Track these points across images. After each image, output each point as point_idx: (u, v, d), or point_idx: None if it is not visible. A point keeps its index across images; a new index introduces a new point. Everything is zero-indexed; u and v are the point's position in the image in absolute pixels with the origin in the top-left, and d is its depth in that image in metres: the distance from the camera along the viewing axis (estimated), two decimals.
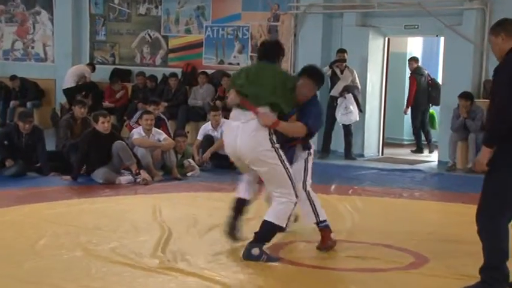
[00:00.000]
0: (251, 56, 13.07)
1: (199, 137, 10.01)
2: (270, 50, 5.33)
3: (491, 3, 10.43)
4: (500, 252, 4.32)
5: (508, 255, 4.39)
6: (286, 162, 5.09)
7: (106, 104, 13.25)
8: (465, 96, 9.98)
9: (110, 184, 8.28)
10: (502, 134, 4.29)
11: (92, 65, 14.11)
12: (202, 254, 5.31)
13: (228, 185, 8.50)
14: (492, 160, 4.33)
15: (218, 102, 12.23)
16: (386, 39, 11.99)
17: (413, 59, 12.24)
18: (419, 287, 4.76)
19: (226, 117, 10.82)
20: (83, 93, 13.37)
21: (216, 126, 9.92)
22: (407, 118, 12.79)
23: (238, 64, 13.20)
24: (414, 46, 13.49)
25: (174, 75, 13.20)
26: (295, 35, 12.29)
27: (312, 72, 5.48)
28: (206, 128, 10.06)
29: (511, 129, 4.27)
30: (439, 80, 11.91)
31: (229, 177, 9.06)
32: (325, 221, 5.46)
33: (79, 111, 9.30)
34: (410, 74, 12.22)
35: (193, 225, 6.29)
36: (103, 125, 8.42)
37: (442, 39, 11.72)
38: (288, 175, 5.08)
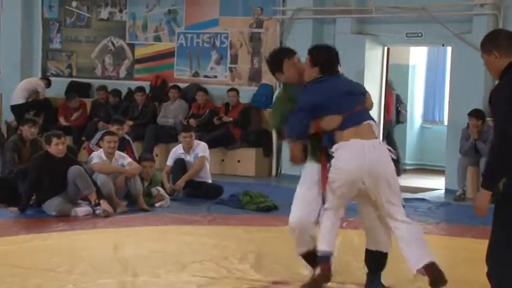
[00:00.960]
0: (230, 68, 13.12)
1: (169, 162, 10.00)
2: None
3: (504, 8, 10.59)
4: None
5: None
6: None
7: (61, 122, 13.21)
8: (476, 114, 10.08)
9: (64, 217, 8.22)
10: (503, 172, 4.22)
11: (46, 79, 14.08)
12: None
13: (202, 217, 8.55)
14: (501, 194, 4.29)
15: (192, 121, 12.26)
16: (386, 48, 12.07)
17: None
18: None
19: (201, 138, 10.99)
20: (34, 111, 13.31)
21: (188, 149, 9.93)
22: (411, 137, 12.90)
23: (215, 77, 13.25)
24: (417, 57, 13.60)
25: (141, 89, 13.21)
26: (281, 44, 12.31)
27: (312, 49, 5.62)
28: (177, 151, 10.06)
29: None
30: (446, 96, 12.02)
31: (203, 208, 9.12)
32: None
33: (28, 131, 9.27)
34: (387, 86, 12.33)
35: (161, 264, 6.24)
36: (57, 147, 8.38)
37: (449, 49, 11.83)
38: None
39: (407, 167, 13.25)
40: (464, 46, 10.69)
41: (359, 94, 5.48)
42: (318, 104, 5.20)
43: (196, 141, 10.07)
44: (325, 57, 5.51)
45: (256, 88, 12.87)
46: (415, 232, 5.38)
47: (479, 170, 10.09)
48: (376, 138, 5.37)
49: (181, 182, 9.70)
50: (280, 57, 5.66)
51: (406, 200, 10.22)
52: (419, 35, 11.44)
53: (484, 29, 10.54)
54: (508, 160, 4.12)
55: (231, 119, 12.35)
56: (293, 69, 5.53)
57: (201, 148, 10.02)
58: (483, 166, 9.78)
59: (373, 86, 11.98)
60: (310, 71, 5.40)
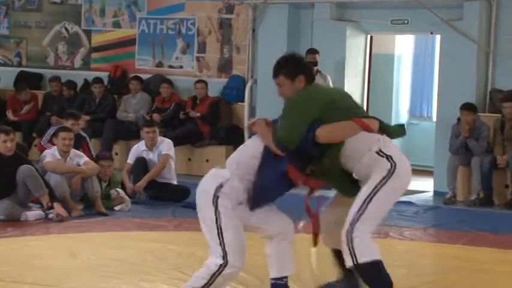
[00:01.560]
0: (197, 57, 13.10)
1: (130, 160, 10.01)
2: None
3: None
4: None
5: None
6: None
7: (9, 117, 13.12)
8: (468, 108, 10.16)
9: (13, 221, 8.17)
10: None
11: None
12: None
13: (166, 222, 8.55)
14: None
15: (155, 116, 12.22)
16: (369, 37, 12.14)
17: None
18: None
19: (165, 134, 10.97)
20: None
21: (151, 146, 9.92)
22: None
23: (181, 67, 13.24)
24: (403, 46, 13.65)
25: (98, 80, 13.16)
26: (253, 31, 12.38)
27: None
28: (139, 148, 10.06)
29: None
30: (435, 89, 12.10)
31: (168, 212, 9.11)
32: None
33: None
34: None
35: (121, 274, 6.22)
36: (4, 144, 8.31)
37: (438, 37, 11.88)
38: None
39: None
40: (454, 34, 10.77)
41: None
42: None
43: (160, 138, 10.06)
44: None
45: (226, 80, 12.90)
46: None
47: (471, 170, 10.20)
48: None
49: (142, 183, 9.70)
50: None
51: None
52: (406, 22, 11.50)
53: (476, 16, 10.69)
54: None
55: (198, 114, 12.33)
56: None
57: (165, 145, 10.01)
58: (475, 166, 9.97)
59: (355, 77, 12.06)
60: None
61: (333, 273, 6.50)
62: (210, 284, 5.02)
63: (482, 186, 10.06)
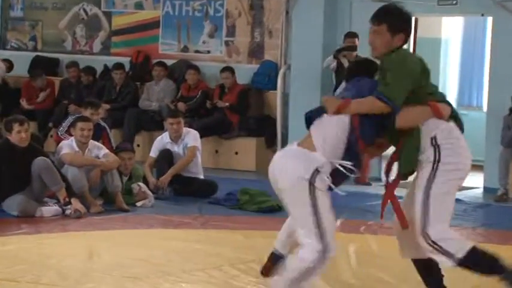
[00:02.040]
0: (226, 42, 13.10)
1: (153, 153, 10.07)
2: None
3: None
4: None
5: None
6: None
7: (24, 106, 13.21)
8: None
9: (28, 217, 8.21)
10: None
11: (8, 62, 14.06)
12: None
13: (192, 219, 8.59)
14: None
15: (181, 105, 12.26)
16: (414, 19, 12.03)
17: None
18: None
19: (191, 125, 10.98)
20: None
21: (176, 138, 9.97)
22: None
23: (208, 52, 13.27)
24: (451, 29, 13.63)
25: (119, 66, 13.25)
26: (287, 13, 12.38)
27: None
28: (163, 140, 10.11)
29: None
30: (485, 76, 12.01)
31: (194, 208, 9.14)
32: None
33: None
34: None
35: (145, 275, 6.24)
36: (19, 135, 8.39)
37: (489, 19, 11.87)
38: None
39: None
40: (508, 16, 10.76)
41: None
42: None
43: (185, 129, 10.10)
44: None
45: (257, 66, 12.92)
46: None
47: None
48: None
49: (167, 177, 9.75)
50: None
51: None
52: (454, 2, 11.43)
53: None
54: None
55: (227, 104, 12.39)
56: None
57: (191, 137, 10.04)
58: None
59: None
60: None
61: (372, 275, 6.52)
62: (309, 275, 5.02)
63: None
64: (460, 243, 5.23)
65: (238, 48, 13.16)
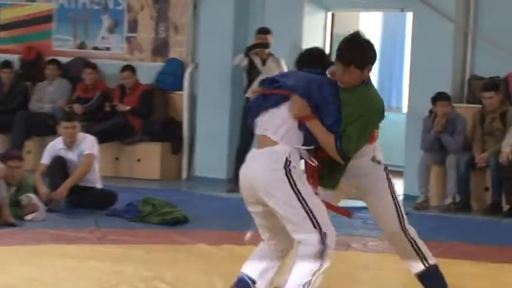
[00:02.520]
0: (128, 38, 13.06)
1: (45, 161, 9.95)
2: None
3: None
4: None
5: None
6: None
7: None
8: (442, 98, 10.26)
9: None
10: None
11: None
12: None
13: (88, 234, 8.47)
14: None
15: (77, 107, 12.14)
16: (330, 14, 12.23)
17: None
18: None
19: (88, 130, 10.85)
20: None
21: (70, 144, 9.87)
22: None
23: (108, 49, 13.20)
24: (369, 25, 13.81)
25: (7, 64, 13.07)
26: (195, 7, 12.44)
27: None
28: (56, 146, 9.99)
29: None
30: (405, 76, 12.19)
31: (91, 221, 9.04)
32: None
33: None
34: None
35: None
36: None
37: (409, 15, 12.05)
38: None
39: None
40: (428, 12, 10.91)
41: None
42: None
43: (81, 134, 9.99)
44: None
45: (162, 64, 12.91)
46: None
47: (445, 170, 10.30)
48: None
49: (63, 190, 9.65)
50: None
51: (355, 209, 10.48)
52: None
53: None
54: None
55: (127, 107, 12.28)
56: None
57: (88, 143, 9.94)
58: (450, 165, 10.05)
59: None
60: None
61: None
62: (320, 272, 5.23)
63: (458, 189, 10.18)
64: (429, 252, 5.91)
65: (141, 44, 13.11)
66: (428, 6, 10.87)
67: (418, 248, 5.98)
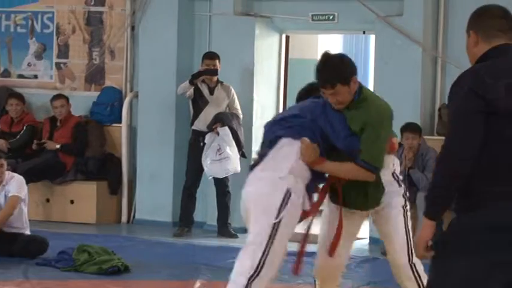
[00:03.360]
0: (58, 64, 13.06)
1: None
2: None
3: None
4: None
5: None
6: None
7: None
8: (411, 129, 10.33)
9: None
10: (450, 198, 4.47)
11: None
12: None
13: (15, 286, 8.37)
14: (440, 239, 4.56)
15: (2, 143, 12.07)
16: (284, 37, 12.31)
17: None
18: None
19: (15, 168, 10.81)
20: None
21: None
22: None
23: (35, 77, 13.17)
24: (329, 48, 13.79)
25: None
26: (133, 29, 12.47)
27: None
28: None
29: (466, 191, 4.44)
30: None
31: (19, 272, 8.95)
32: None
33: None
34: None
35: None
36: None
37: (372, 37, 12.18)
38: None
39: None
40: (393, 34, 11.03)
41: None
42: None
43: (8, 173, 9.94)
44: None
45: (97, 94, 12.85)
46: None
47: (416, 209, 10.39)
48: None
49: None
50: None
51: (309, 254, 10.53)
52: (331, 17, 11.67)
53: (420, 11, 10.94)
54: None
55: (58, 146, 12.21)
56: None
57: (15, 184, 9.86)
58: (421, 204, 10.15)
59: (267, 87, 12.17)
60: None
61: None
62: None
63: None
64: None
65: (72, 72, 13.07)
66: (393, 28, 11.00)
67: (418, 273, 6.33)
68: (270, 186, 6.14)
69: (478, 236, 4.40)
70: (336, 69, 5.92)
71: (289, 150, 6.20)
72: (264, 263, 6.01)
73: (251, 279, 6.03)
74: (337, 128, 6.05)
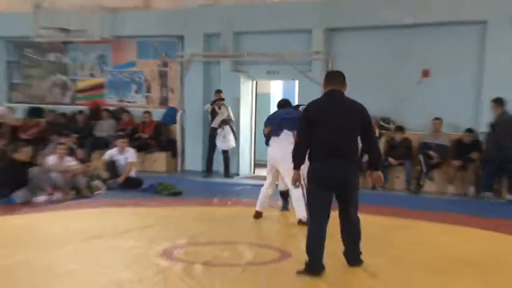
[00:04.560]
0: (146, 96, 12.97)
1: (106, 157, 9.84)
2: None
3: (332, 56, 10.98)
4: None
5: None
6: None
7: (21, 136, 12.72)
8: None
9: (27, 203, 7.95)
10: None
11: (12, 109, 13.40)
12: (116, 254, 5.30)
13: (128, 201, 8.38)
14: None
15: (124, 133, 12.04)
16: (254, 82, 12.29)
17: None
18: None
19: (136, 147, 10.69)
20: None
21: (121, 151, 9.81)
22: None
23: (135, 102, 13.10)
24: (276, 88, 13.85)
25: (81, 112, 12.95)
26: (181, 79, 12.32)
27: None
28: (112, 152, 9.86)
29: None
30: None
31: (130, 194, 8.95)
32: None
33: None
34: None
35: (100, 235, 6.11)
36: (24, 153, 8.23)
37: (296, 82, 12.02)
38: None
39: None
40: (306, 80, 10.97)
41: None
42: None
43: (127, 147, 9.94)
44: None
45: (165, 110, 12.73)
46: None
47: None
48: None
49: (122, 179, 9.52)
50: None
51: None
52: (276, 72, 11.65)
53: (319, 68, 10.90)
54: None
55: (147, 136, 12.09)
56: None
57: (131, 152, 9.87)
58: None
59: (247, 109, 12.14)
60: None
61: None
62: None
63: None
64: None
65: (153, 99, 12.96)
66: (306, 77, 10.92)
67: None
68: (284, 148, 6.31)
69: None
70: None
71: (287, 134, 6.67)
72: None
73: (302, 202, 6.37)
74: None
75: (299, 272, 4.67)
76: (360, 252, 4.89)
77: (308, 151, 4.64)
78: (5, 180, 8.14)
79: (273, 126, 6.97)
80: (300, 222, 6.51)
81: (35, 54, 13.95)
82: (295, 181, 4.73)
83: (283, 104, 7.39)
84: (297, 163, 4.68)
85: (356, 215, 4.80)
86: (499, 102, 9.12)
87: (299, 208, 6.54)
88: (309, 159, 4.66)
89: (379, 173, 4.84)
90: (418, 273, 4.88)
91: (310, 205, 4.71)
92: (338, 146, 4.51)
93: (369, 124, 4.65)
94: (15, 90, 14.28)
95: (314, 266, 4.62)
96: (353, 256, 4.86)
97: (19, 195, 8.08)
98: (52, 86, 13.88)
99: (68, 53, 13.59)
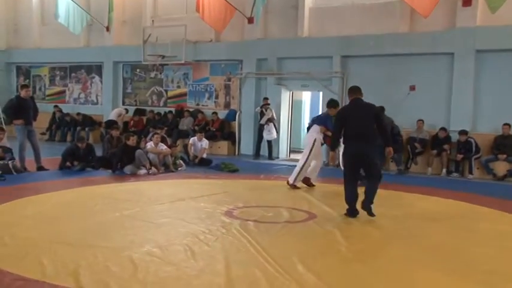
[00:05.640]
0: (215, 101, 12.95)
1: (190, 141, 9.94)
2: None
3: (346, 75, 10.79)
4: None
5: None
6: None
7: (131, 129, 13.03)
8: None
9: (133, 175, 8.08)
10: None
11: (125, 109, 13.70)
12: (193, 212, 5.36)
13: (201, 175, 8.41)
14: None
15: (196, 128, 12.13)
16: (291, 92, 12.18)
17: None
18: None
19: (207, 137, 10.59)
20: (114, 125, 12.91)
21: (200, 139, 9.88)
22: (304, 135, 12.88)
23: (207, 105, 13.09)
24: (306, 97, 13.63)
25: (170, 111, 13.02)
26: (240, 90, 12.29)
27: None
28: (195, 140, 9.93)
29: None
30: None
31: (202, 171, 8.94)
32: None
33: (115, 133, 9.23)
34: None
35: (181, 197, 6.15)
36: (130, 140, 8.38)
37: (321, 93, 11.83)
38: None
39: (302, 149, 13.03)
40: (328, 92, 10.82)
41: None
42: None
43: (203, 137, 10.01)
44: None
45: (227, 111, 12.69)
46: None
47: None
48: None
49: (199, 159, 9.61)
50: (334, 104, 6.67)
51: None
52: (307, 85, 11.50)
53: (338, 84, 10.75)
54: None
55: (214, 129, 12.12)
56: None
57: (205, 141, 9.94)
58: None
59: (285, 111, 12.01)
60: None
61: None
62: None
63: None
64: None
65: (220, 103, 12.90)
66: (328, 90, 10.78)
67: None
68: (311, 137, 6.47)
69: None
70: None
71: (316, 128, 6.60)
72: (303, 166, 6.26)
73: (299, 172, 6.35)
74: (329, 122, 6.29)
75: (344, 214, 5.16)
76: (372, 203, 5.13)
77: (342, 137, 5.15)
78: (119, 159, 8.36)
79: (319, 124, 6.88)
80: (288, 183, 6.70)
81: (141, 73, 14.17)
82: (331, 159, 5.40)
83: (329, 103, 6.76)
84: (333, 146, 5.29)
85: (376, 182, 5.10)
86: None
87: (293, 174, 6.63)
88: (343, 142, 5.17)
89: (390, 148, 5.15)
90: (410, 221, 5.20)
91: (345, 171, 5.14)
92: (361, 132, 4.97)
93: (379, 117, 5.07)
94: (127, 97, 14.59)
95: (351, 211, 5.14)
96: (366, 204, 5.11)
97: (128, 168, 8.28)
98: (152, 94, 14.08)
99: (163, 72, 13.75)
